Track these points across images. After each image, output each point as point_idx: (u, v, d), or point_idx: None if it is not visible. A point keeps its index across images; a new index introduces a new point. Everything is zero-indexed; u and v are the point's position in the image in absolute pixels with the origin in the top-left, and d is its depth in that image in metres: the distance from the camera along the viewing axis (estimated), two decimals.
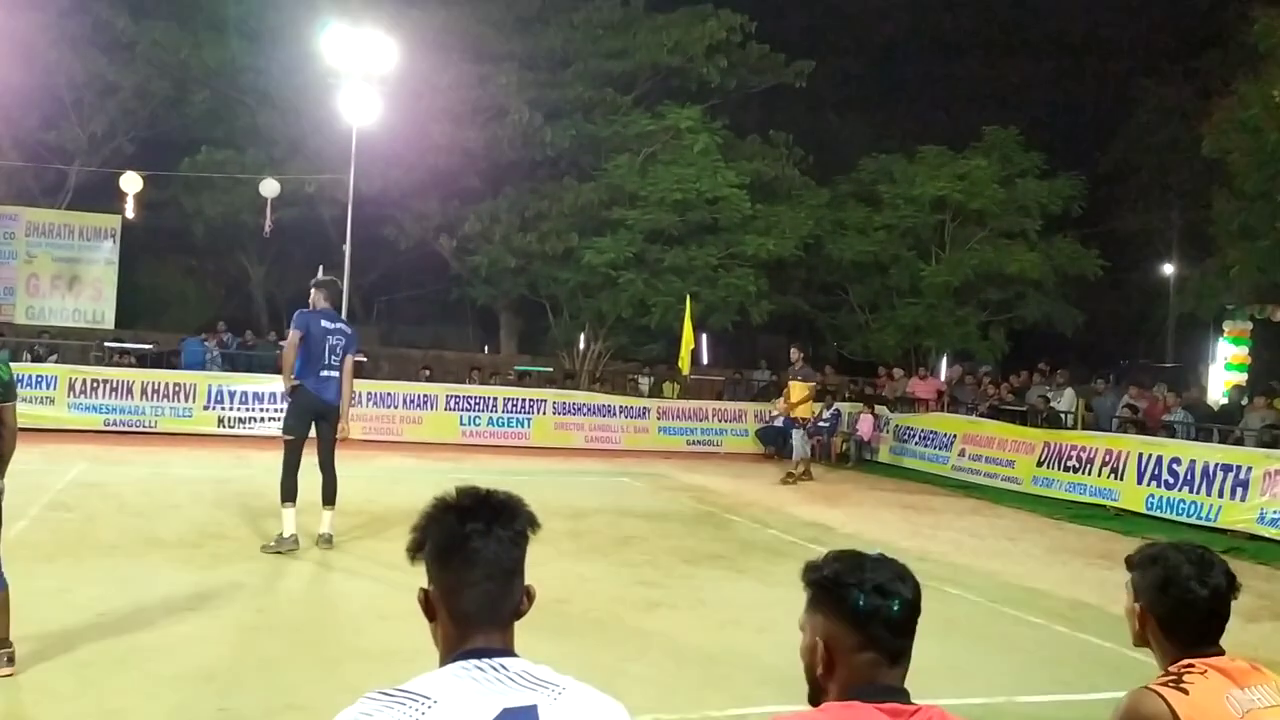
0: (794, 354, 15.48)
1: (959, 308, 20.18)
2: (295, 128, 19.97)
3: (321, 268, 14.67)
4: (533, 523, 1.71)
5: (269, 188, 17.69)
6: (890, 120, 26.70)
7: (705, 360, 25.56)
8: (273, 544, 7.79)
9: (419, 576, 1.70)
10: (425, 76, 18.27)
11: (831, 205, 20.98)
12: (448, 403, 16.69)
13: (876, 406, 18.00)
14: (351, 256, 16.67)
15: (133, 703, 4.70)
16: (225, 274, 26.12)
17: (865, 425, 17.44)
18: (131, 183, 17.69)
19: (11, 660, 4.80)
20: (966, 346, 20.69)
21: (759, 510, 11.70)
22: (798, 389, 14.78)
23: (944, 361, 22.01)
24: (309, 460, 7.99)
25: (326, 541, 8.02)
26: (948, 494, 14.38)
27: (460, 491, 1.71)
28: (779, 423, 18.11)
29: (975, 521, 11.98)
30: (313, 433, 7.99)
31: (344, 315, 16.10)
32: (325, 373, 7.88)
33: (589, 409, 17.55)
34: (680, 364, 17.63)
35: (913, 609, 1.76)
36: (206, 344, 18.51)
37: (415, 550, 1.69)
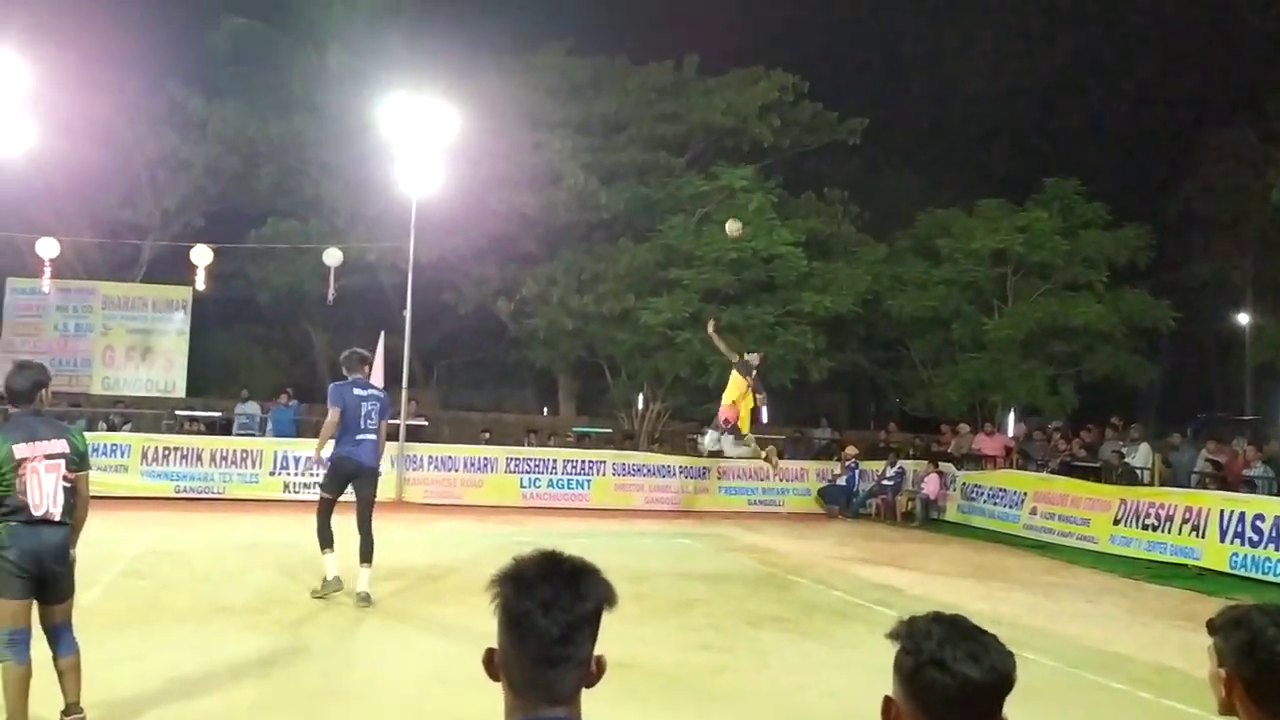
0: (753, 357, 13.81)
1: (1024, 361, 19.78)
2: (356, 197, 20.49)
3: (383, 334, 14.94)
4: (608, 600, 1.62)
5: (332, 257, 18.10)
6: (947, 174, 26.58)
7: (765, 419, 25.36)
8: (320, 589, 8.31)
9: (480, 642, 1.67)
10: (482, 144, 18.67)
11: (889, 260, 20.85)
12: (508, 465, 16.75)
13: (941, 464, 17.65)
14: (412, 322, 16.94)
15: None
16: (290, 341, 26.73)
17: (932, 484, 17.09)
18: (202, 255, 18.21)
19: None
20: (1034, 401, 20.24)
21: (823, 571, 11.48)
22: (733, 383, 13.39)
23: (1011, 417, 21.55)
24: (349, 519, 8.38)
25: (364, 599, 8.22)
26: (1020, 554, 13.97)
27: (531, 560, 1.62)
28: (841, 481, 17.84)
29: (1050, 582, 11.60)
30: (350, 495, 8.53)
31: (404, 380, 16.64)
32: (361, 436, 8.42)
33: (649, 470, 17.48)
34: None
35: (980, 690, 1.66)
36: (291, 405, 18.72)
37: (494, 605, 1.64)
